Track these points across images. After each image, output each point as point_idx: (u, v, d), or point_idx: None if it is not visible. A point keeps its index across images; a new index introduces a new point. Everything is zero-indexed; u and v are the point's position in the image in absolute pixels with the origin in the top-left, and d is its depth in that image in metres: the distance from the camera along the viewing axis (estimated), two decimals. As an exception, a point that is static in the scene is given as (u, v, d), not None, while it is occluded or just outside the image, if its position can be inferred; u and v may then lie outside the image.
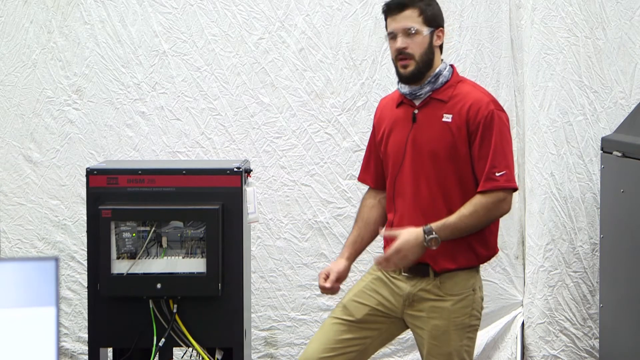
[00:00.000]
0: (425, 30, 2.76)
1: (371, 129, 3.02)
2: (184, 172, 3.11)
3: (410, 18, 2.75)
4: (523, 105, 4.24)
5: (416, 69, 2.76)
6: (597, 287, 4.15)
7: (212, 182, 3.10)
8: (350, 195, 4.23)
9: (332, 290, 2.92)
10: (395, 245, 2.66)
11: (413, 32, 2.75)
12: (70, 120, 4.23)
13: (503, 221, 4.21)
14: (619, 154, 3.80)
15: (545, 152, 4.16)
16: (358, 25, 4.19)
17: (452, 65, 2.85)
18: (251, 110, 4.22)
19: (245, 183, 3.15)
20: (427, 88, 2.78)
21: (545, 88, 4.15)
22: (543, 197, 4.17)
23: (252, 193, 3.13)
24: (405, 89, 2.82)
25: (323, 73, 4.21)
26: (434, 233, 2.65)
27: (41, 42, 4.21)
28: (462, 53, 4.21)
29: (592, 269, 4.18)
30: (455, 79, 2.82)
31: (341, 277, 2.94)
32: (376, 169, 2.98)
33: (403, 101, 2.85)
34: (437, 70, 2.79)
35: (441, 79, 2.79)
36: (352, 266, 4.22)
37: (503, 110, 2.79)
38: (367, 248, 4.18)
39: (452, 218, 2.68)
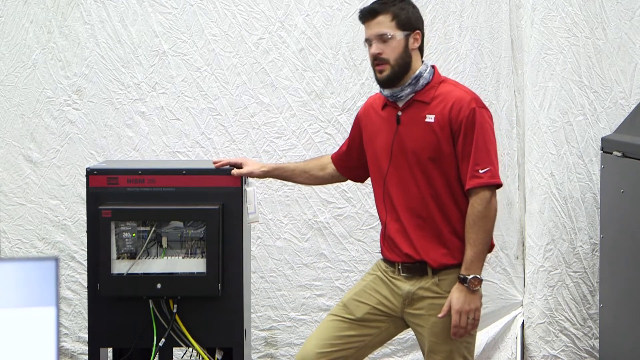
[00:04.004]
0: (399, 35, 2.79)
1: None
2: (184, 172, 3.10)
3: (382, 24, 2.80)
4: (523, 105, 4.24)
5: (391, 73, 2.80)
6: (597, 287, 4.15)
7: (212, 182, 3.09)
8: (350, 196, 4.23)
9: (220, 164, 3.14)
10: (453, 313, 2.73)
11: (387, 37, 2.79)
12: (70, 120, 4.23)
13: (503, 221, 4.24)
14: (619, 154, 3.80)
15: (545, 152, 4.16)
16: (358, 25, 4.13)
17: (433, 66, 2.88)
18: (251, 110, 4.22)
19: (245, 183, 3.15)
20: (408, 90, 2.82)
21: (545, 88, 4.15)
22: (543, 197, 4.18)
23: (252, 193, 3.13)
24: (386, 91, 2.86)
25: (323, 73, 4.21)
26: (468, 275, 2.73)
27: (41, 42, 4.21)
28: (462, 53, 4.21)
29: (592, 269, 4.18)
30: (436, 79, 2.84)
31: (244, 169, 3.12)
32: (346, 154, 3.11)
33: (387, 103, 2.89)
34: (418, 72, 2.82)
35: (422, 81, 2.82)
36: (352, 265, 4.26)
37: (485, 108, 2.82)
38: (368, 248, 4.22)
39: (467, 251, 2.75)
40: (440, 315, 2.75)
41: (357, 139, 3.03)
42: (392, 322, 2.90)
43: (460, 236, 2.79)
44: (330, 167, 3.17)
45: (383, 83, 2.83)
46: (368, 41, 2.83)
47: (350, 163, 3.10)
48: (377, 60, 2.80)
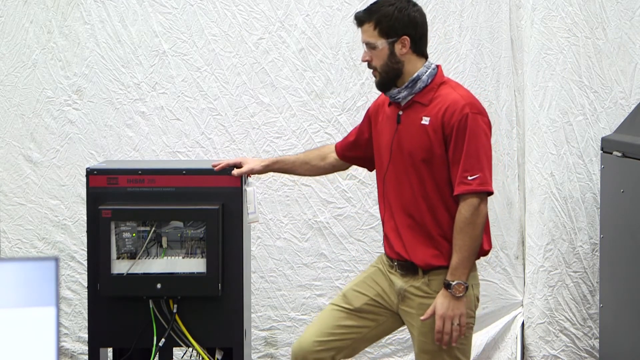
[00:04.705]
0: (381, 43, 2.81)
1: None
2: (184, 172, 3.10)
3: (367, 32, 2.83)
4: (523, 105, 4.24)
5: (381, 79, 2.84)
6: (597, 287, 4.15)
7: (212, 182, 3.09)
8: (350, 195, 4.23)
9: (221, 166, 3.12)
10: (437, 318, 2.75)
11: (372, 46, 2.82)
12: (70, 120, 4.23)
13: (503, 221, 4.24)
14: (619, 154, 3.80)
15: (545, 152, 4.16)
16: (358, 25, 4.18)
17: (438, 66, 2.87)
18: (251, 110, 4.22)
19: (245, 183, 3.15)
20: (405, 93, 2.83)
21: (545, 88, 4.15)
22: (543, 197, 4.17)
23: (252, 193, 3.13)
24: (386, 93, 2.89)
25: (323, 73, 4.21)
26: (452, 281, 2.74)
27: (41, 42, 4.21)
28: (462, 53, 4.21)
29: (592, 269, 4.18)
30: (437, 80, 2.84)
31: (244, 167, 3.11)
32: (353, 144, 3.11)
33: (391, 102, 2.91)
34: (415, 75, 2.82)
35: (419, 84, 2.82)
36: (352, 265, 4.25)
37: (481, 113, 2.80)
38: (368, 248, 4.22)
39: (453, 256, 2.75)
40: (422, 317, 2.78)
41: (367, 131, 3.05)
42: (390, 316, 2.93)
43: (449, 240, 2.80)
44: (332, 157, 3.17)
45: (377, 87, 2.89)
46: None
47: (357, 153, 3.12)
48: (368, 66, 2.87)
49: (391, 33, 2.80)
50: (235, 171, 3.09)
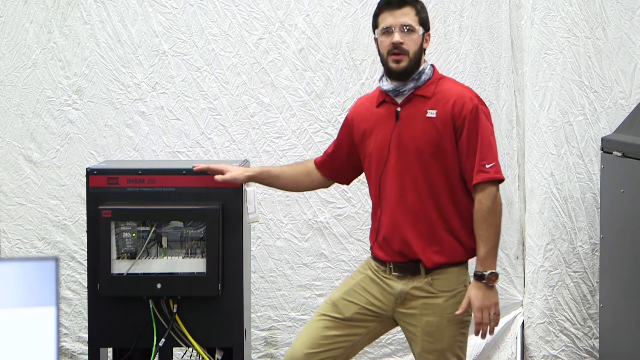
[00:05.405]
0: (420, 30, 2.83)
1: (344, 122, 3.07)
2: (184, 172, 3.10)
3: (408, 15, 2.82)
4: (523, 105, 4.24)
5: (408, 65, 2.80)
6: (597, 287, 4.16)
7: (212, 182, 3.09)
8: (350, 195, 4.23)
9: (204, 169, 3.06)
10: (475, 311, 2.75)
11: (410, 29, 2.80)
12: (70, 120, 4.23)
13: (503, 221, 4.22)
14: (619, 154, 3.80)
15: (545, 152, 4.16)
16: (358, 25, 4.19)
17: (432, 65, 2.91)
18: (251, 110, 4.22)
19: (245, 183, 3.15)
20: (411, 85, 2.83)
21: (545, 88, 4.15)
22: (543, 197, 4.18)
23: (252, 193, 3.13)
24: (388, 85, 2.85)
25: (323, 73, 4.21)
26: (485, 272, 2.74)
27: (41, 42, 4.21)
28: (462, 53, 4.21)
29: (592, 269, 4.18)
30: (436, 76, 2.87)
31: (227, 175, 3.03)
32: (332, 158, 3.07)
33: (385, 100, 2.89)
34: (421, 68, 2.84)
35: (424, 77, 2.84)
36: (352, 265, 4.26)
37: (485, 105, 2.85)
38: (368, 248, 4.20)
39: (480, 248, 2.76)
40: (458, 312, 2.76)
41: (347, 139, 3.01)
42: (381, 321, 2.91)
43: (455, 235, 2.80)
44: (315, 173, 3.12)
45: (398, 74, 2.81)
46: (387, 29, 2.81)
47: (337, 164, 3.07)
48: (397, 49, 2.80)
49: (425, 25, 2.86)
50: (218, 177, 3.02)
